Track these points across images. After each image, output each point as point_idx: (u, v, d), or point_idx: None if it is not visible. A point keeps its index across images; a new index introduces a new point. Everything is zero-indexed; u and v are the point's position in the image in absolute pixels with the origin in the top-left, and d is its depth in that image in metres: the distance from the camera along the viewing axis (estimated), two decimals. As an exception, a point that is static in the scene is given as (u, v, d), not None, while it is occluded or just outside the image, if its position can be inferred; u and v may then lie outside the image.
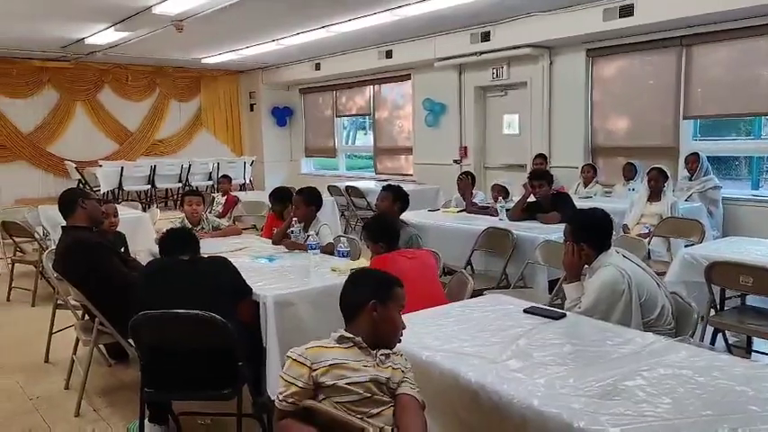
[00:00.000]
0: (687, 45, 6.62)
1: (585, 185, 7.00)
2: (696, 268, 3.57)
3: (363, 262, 3.33)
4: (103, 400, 3.50)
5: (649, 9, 6.27)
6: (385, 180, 10.05)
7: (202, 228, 4.56)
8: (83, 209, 3.51)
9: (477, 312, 2.56)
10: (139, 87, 11.33)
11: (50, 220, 6.32)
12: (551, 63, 7.75)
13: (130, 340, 3.40)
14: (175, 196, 10.69)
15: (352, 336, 1.85)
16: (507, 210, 5.13)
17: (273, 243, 4.19)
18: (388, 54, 9.19)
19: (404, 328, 1.92)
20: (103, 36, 8.04)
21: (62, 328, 4.08)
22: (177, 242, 2.92)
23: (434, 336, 2.25)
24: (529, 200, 5.17)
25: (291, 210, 4.75)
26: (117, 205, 5.12)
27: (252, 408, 2.85)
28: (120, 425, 3.18)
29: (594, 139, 7.62)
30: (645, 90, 7.10)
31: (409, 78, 9.66)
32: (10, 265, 5.97)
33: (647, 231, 5.24)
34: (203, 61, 10.55)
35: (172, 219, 7.47)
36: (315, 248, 3.45)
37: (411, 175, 9.80)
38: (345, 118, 11.50)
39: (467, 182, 5.87)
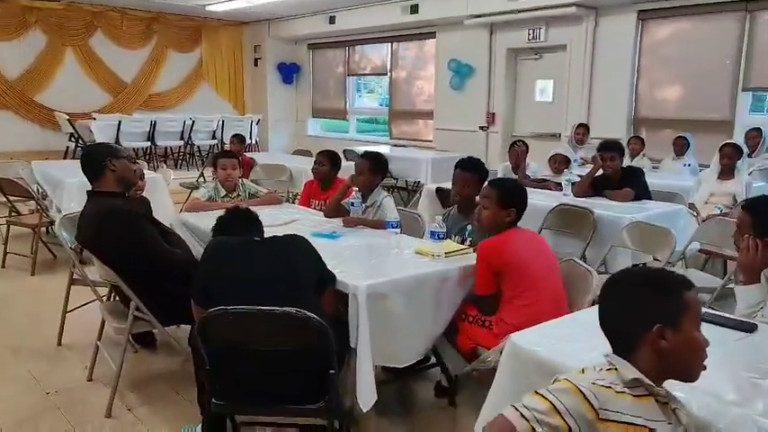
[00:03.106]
0: (752, 10, 6.08)
1: (632, 159, 6.51)
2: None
3: (451, 245, 2.80)
4: (136, 397, 2.97)
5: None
6: (400, 145, 9.49)
7: (238, 195, 3.98)
8: (111, 171, 2.91)
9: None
10: (135, 34, 10.47)
11: (47, 178, 5.67)
12: (596, 25, 7.15)
13: (174, 328, 2.89)
14: (176, 154, 9.96)
15: (652, 383, 1.25)
16: (573, 183, 4.62)
17: (326, 216, 3.65)
18: (414, 9, 8.49)
19: (707, 346, 1.31)
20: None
21: (77, 306, 3.52)
22: (241, 223, 2.35)
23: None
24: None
25: (335, 177, 4.25)
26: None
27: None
28: (163, 430, 2.66)
29: (639, 109, 7.11)
30: (700, 58, 6.57)
31: (433, 37, 8.98)
32: (5, 228, 5.33)
33: (718, 213, 4.80)
34: (208, 8, 9.72)
35: (189, 183, 6.86)
36: (396, 227, 2.91)
37: (430, 141, 9.22)
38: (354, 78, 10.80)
39: (522, 150, 5.32)
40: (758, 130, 5.87)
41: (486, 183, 2.77)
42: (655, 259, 3.47)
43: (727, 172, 4.96)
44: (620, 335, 1.31)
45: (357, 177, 3.47)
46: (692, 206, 4.90)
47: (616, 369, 1.27)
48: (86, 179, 2.99)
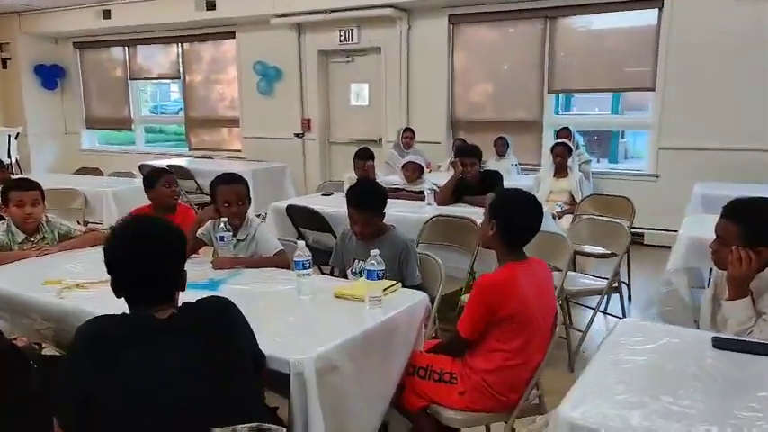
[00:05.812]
0: (550, 17, 6.54)
1: (459, 161, 6.56)
2: (701, 251, 3.24)
3: (381, 283, 2.24)
4: None
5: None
6: (204, 156, 8.45)
7: (43, 237, 2.88)
8: None
9: (640, 357, 1.72)
10: None
11: None
12: (410, 27, 7.09)
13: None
14: None
15: None
16: (435, 191, 4.36)
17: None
18: (210, 5, 7.58)
19: None
20: None
21: None
22: (149, 288, 1.50)
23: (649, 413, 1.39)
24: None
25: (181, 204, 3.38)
26: None
27: None
28: None
29: (456, 111, 7.23)
30: (509, 62, 6.89)
31: (233, 37, 8.15)
32: None
33: (560, 210, 4.98)
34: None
35: None
36: (307, 268, 2.23)
37: (239, 151, 8.37)
38: (141, 81, 9.39)
39: (370, 166, 4.87)
40: (567, 129, 6.31)
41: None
42: (555, 269, 3.33)
43: (560, 170, 5.17)
44: None
45: (235, 208, 2.69)
46: (535, 204, 5.02)
47: None
48: None
